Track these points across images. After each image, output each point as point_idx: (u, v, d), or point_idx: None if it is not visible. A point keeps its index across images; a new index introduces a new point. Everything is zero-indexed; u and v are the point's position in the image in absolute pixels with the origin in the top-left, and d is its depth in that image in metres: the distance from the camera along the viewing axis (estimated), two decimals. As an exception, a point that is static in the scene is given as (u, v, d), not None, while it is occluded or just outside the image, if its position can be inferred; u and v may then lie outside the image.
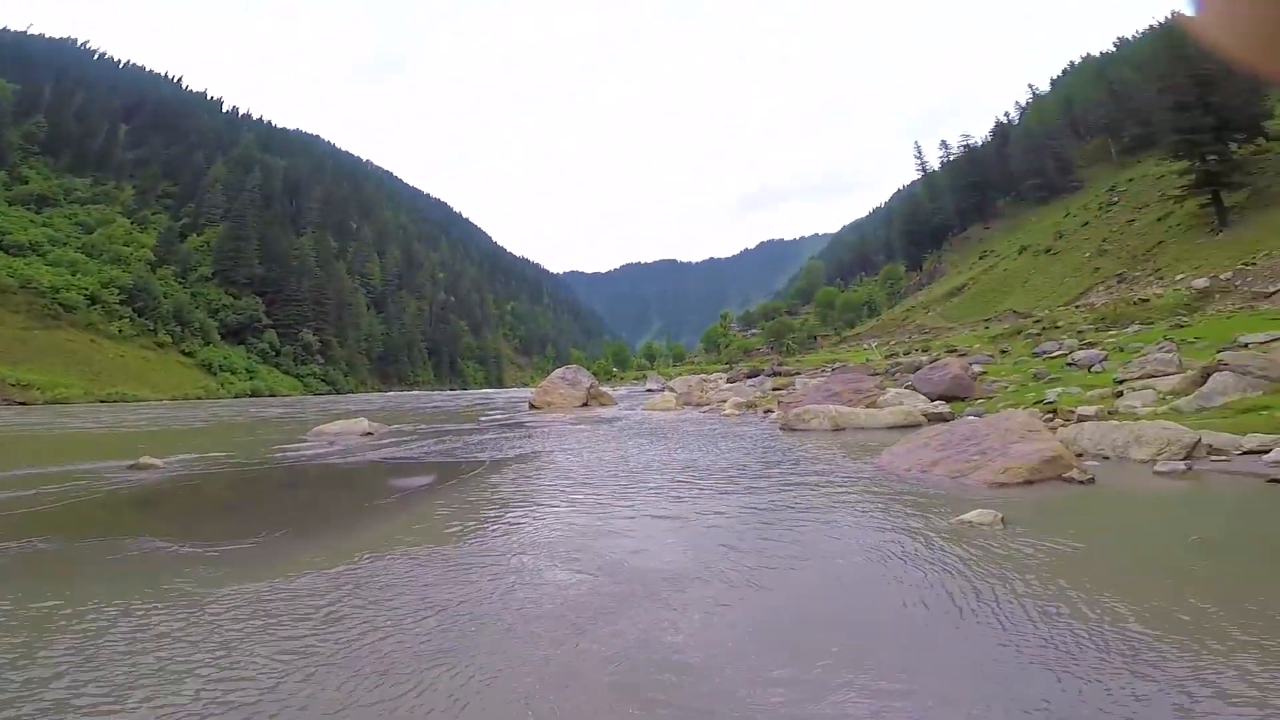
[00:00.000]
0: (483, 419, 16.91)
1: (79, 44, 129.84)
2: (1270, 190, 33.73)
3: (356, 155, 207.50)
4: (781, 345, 71.76)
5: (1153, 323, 15.39)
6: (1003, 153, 78.97)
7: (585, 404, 21.02)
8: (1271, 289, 17.15)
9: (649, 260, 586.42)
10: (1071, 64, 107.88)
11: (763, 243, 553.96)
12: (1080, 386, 9.08)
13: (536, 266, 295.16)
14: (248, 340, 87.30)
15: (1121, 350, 11.12)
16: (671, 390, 23.78)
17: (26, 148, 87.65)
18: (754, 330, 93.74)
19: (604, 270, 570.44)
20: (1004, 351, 16.30)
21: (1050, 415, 7.76)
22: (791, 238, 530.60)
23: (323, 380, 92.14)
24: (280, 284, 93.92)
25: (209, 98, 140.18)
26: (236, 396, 68.52)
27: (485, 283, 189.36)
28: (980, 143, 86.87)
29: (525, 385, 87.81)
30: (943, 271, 71.48)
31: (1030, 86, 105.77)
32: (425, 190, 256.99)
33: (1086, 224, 51.61)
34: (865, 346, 41.78)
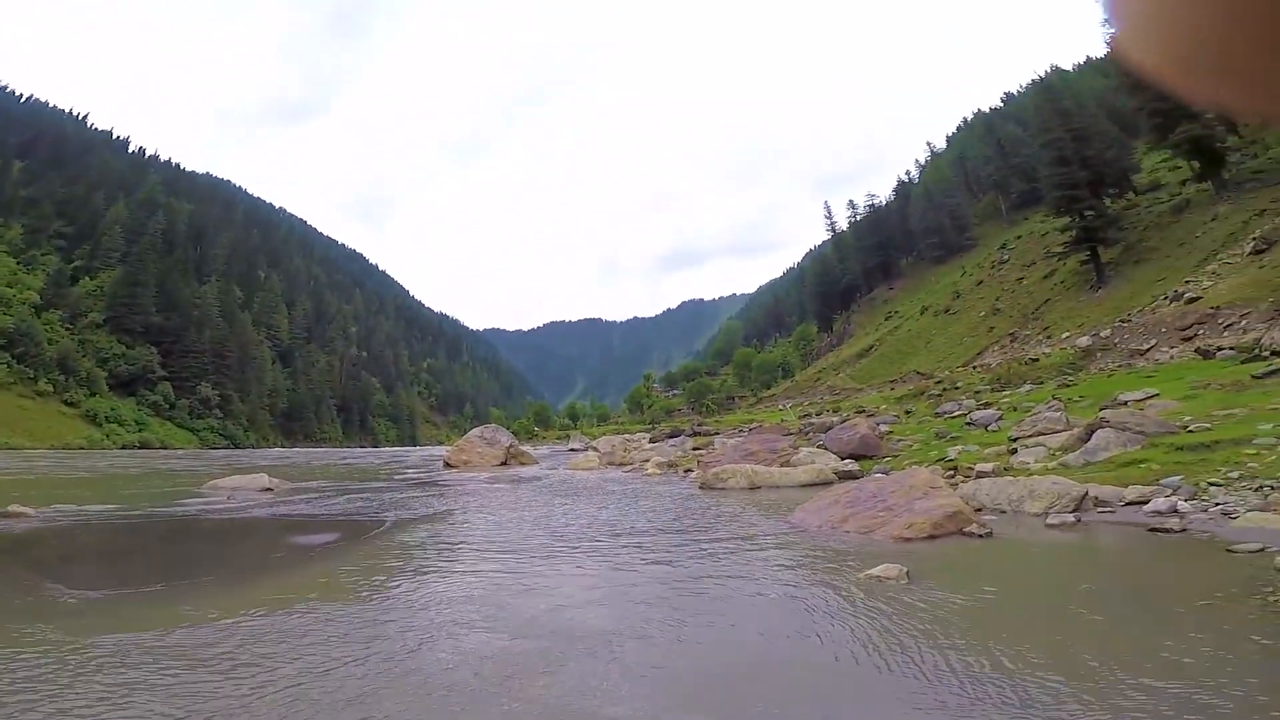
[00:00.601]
0: (394, 477, 16.12)
1: None
2: (1141, 245, 36.55)
3: (269, 202, 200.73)
4: (702, 406, 72.90)
5: (1043, 382, 16.80)
6: (904, 212, 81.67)
7: (505, 463, 20.43)
8: (1145, 346, 19.13)
9: (573, 319, 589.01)
10: (965, 120, 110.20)
11: (684, 302, 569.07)
12: (978, 444, 9.69)
13: (456, 323, 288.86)
14: (139, 392, 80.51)
15: (1015, 409, 11.98)
16: (595, 450, 23.57)
17: None
18: (676, 391, 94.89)
19: (526, 328, 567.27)
20: (908, 412, 17.27)
21: (951, 472, 8.19)
22: (711, 297, 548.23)
23: (220, 435, 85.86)
24: (179, 334, 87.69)
25: (115, 137, 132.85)
26: (124, 448, 62.77)
27: (401, 339, 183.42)
28: (884, 202, 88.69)
29: (441, 444, 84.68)
30: (851, 332, 74.92)
31: (929, 144, 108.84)
32: (340, 240, 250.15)
33: (981, 283, 55.46)
34: (780, 407, 43.10)
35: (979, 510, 6.00)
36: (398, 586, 3.95)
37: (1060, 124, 40.25)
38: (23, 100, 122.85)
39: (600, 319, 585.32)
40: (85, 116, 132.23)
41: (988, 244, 65.90)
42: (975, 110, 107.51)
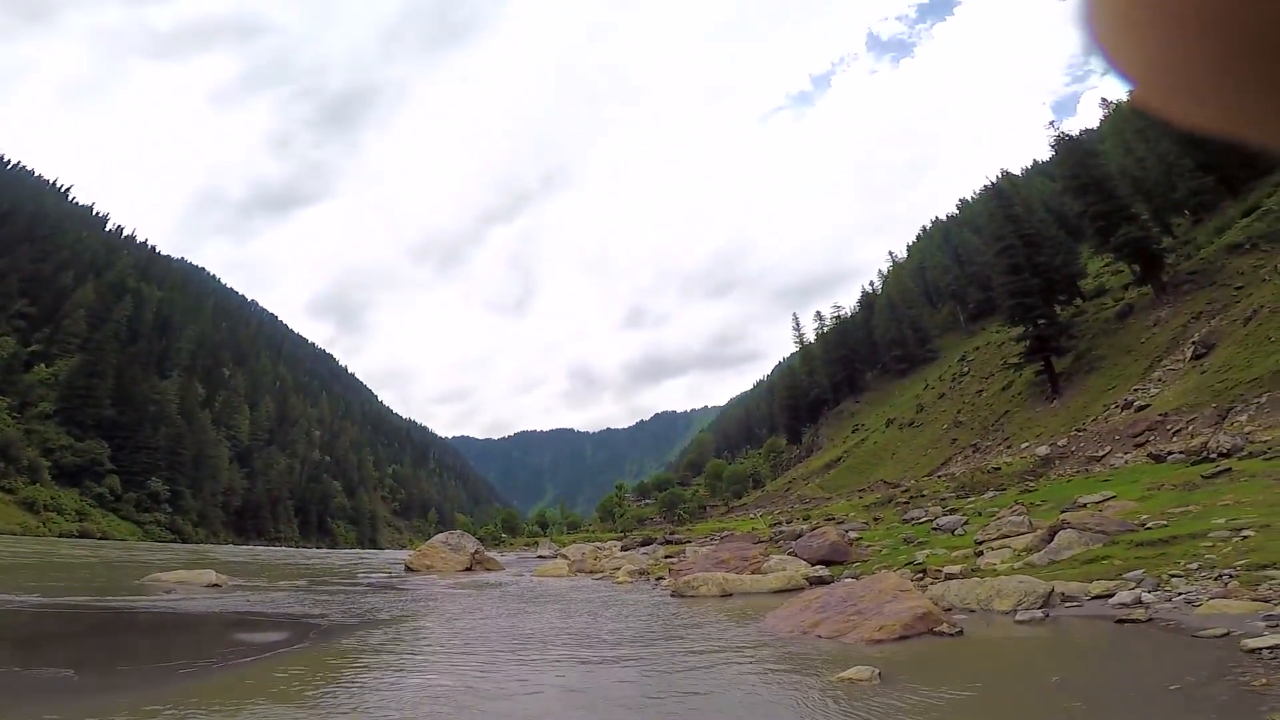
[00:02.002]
0: (352, 578, 15.34)
1: None
2: (1091, 354, 37.34)
3: (241, 293, 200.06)
4: (674, 515, 71.63)
5: (1005, 488, 17.08)
6: (869, 324, 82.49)
7: (470, 568, 19.66)
8: (1101, 452, 19.70)
9: (544, 429, 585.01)
10: (924, 229, 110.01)
11: (657, 414, 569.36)
12: (945, 548, 9.75)
13: (424, 430, 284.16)
14: (84, 483, 76.13)
15: (980, 514, 12.16)
16: (564, 557, 22.94)
17: None
18: (648, 500, 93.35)
19: (496, 437, 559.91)
20: (876, 519, 17.31)
21: (920, 575, 8.21)
22: (684, 409, 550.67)
23: (168, 530, 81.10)
24: (133, 430, 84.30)
25: (94, 213, 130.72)
26: (61, 536, 58.53)
27: (366, 443, 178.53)
28: (849, 314, 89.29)
29: (403, 548, 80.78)
30: (820, 444, 75.42)
31: (890, 254, 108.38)
32: (310, 340, 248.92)
33: (942, 395, 56.94)
34: (751, 516, 42.56)
35: (949, 610, 6.00)
36: (351, 691, 3.77)
37: (1011, 230, 41.08)
38: (8, 166, 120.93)
39: (572, 429, 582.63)
40: (68, 190, 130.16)
41: (948, 355, 68.03)
42: (933, 219, 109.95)
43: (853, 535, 13.85)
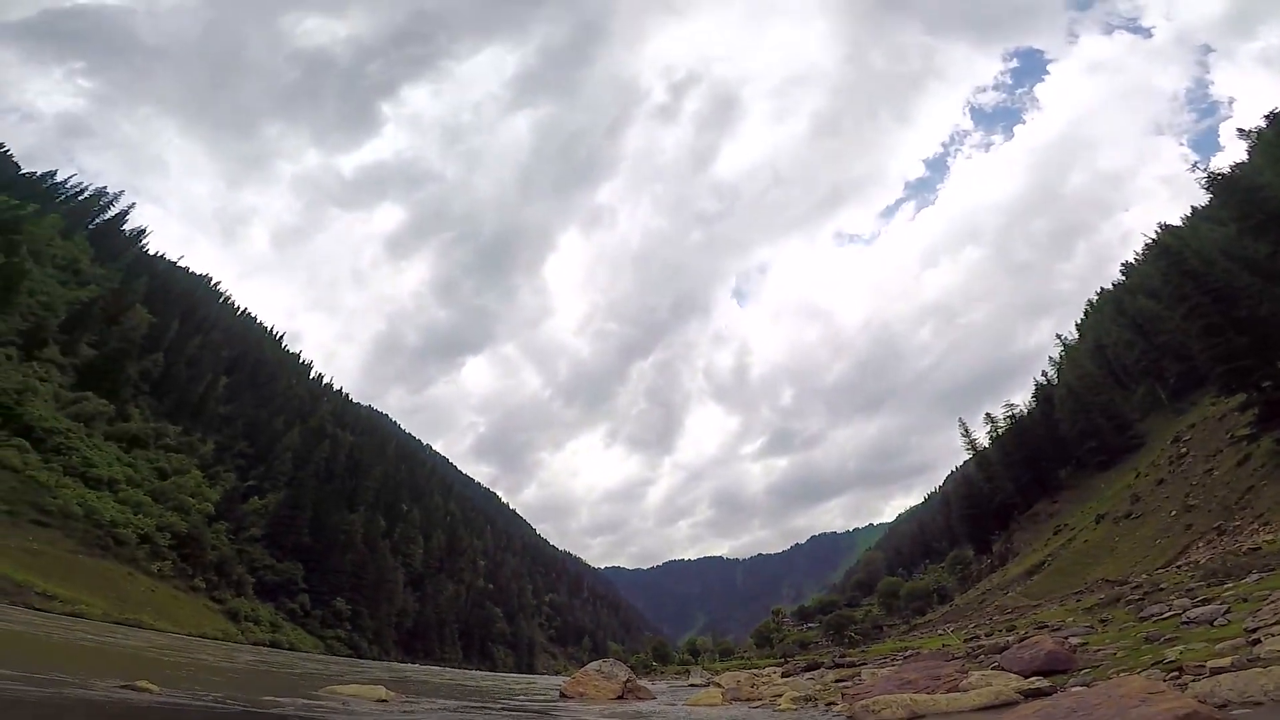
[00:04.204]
0: (510, 701, 15.14)
1: (212, 282, 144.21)
2: None
3: (417, 438, 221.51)
4: (842, 638, 65.12)
5: (1273, 568, 13.72)
6: (1050, 419, 73.82)
7: (621, 696, 18.87)
8: None
9: (692, 557, 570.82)
10: (1091, 303, 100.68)
11: (814, 536, 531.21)
12: (1205, 642, 7.79)
13: (578, 561, 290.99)
14: (280, 599, 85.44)
15: (1245, 600, 9.82)
16: (718, 684, 21.36)
17: (139, 385, 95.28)
18: (810, 624, 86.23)
19: (646, 567, 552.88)
20: (1103, 621, 14.44)
21: (1175, 674, 6.58)
22: (844, 530, 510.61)
23: (346, 645, 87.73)
24: (324, 555, 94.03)
25: (301, 361, 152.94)
26: (255, 644, 64.76)
27: (526, 573, 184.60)
28: (1025, 411, 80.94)
29: (558, 673, 79.79)
30: (1015, 551, 66.40)
31: (1059, 338, 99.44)
32: (476, 479, 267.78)
33: (1162, 481, 48.54)
34: (939, 633, 37.40)
35: (1223, 707, 4.80)
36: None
37: (1194, 287, 35.34)
38: (238, 312, 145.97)
39: (721, 556, 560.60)
40: (281, 337, 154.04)
41: (1156, 438, 59.29)
42: (1098, 290, 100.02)
43: (1074, 641, 11.64)
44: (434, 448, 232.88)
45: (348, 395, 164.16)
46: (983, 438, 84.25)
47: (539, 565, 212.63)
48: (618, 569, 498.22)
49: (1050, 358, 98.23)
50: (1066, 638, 12.28)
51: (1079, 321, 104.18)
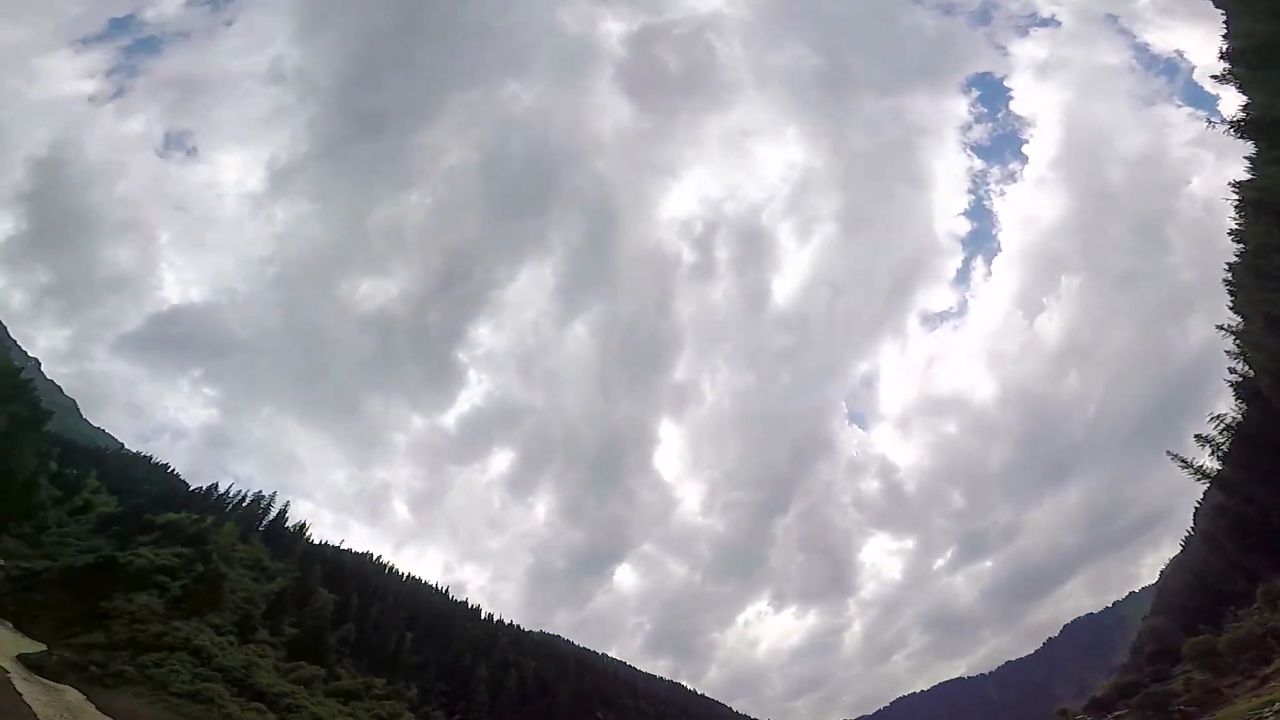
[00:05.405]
0: None
1: (374, 559, 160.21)
2: None
3: (593, 650, 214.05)
4: (1169, 715, 53.21)
5: None
6: (1271, 410, 63.42)
7: None
8: None
9: (923, 688, 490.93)
10: (1226, 282, 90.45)
11: (1065, 626, 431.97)
12: None
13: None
14: None
15: None
16: None
17: (340, 650, 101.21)
18: (1117, 713, 71.03)
19: (871, 712, 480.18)
20: None
21: None
22: (1096, 609, 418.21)
23: None
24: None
25: (469, 606, 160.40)
26: None
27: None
28: (1239, 417, 70.24)
29: None
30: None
31: (1220, 329, 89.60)
32: (657, 674, 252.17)
33: None
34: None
35: None
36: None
37: None
38: (404, 579, 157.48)
39: (961, 677, 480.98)
40: (446, 590, 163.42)
41: None
42: (1226, 265, 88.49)
43: None
44: (609, 655, 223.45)
45: (519, 626, 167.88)
46: (1209, 460, 71.70)
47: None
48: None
49: (1226, 351, 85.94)
50: None
51: (1230, 304, 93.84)
